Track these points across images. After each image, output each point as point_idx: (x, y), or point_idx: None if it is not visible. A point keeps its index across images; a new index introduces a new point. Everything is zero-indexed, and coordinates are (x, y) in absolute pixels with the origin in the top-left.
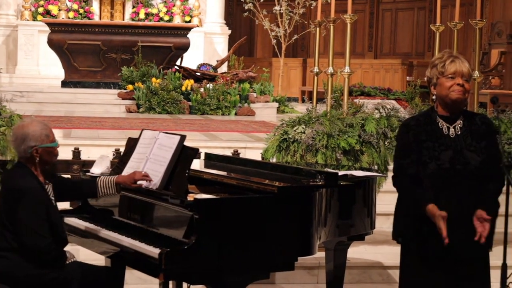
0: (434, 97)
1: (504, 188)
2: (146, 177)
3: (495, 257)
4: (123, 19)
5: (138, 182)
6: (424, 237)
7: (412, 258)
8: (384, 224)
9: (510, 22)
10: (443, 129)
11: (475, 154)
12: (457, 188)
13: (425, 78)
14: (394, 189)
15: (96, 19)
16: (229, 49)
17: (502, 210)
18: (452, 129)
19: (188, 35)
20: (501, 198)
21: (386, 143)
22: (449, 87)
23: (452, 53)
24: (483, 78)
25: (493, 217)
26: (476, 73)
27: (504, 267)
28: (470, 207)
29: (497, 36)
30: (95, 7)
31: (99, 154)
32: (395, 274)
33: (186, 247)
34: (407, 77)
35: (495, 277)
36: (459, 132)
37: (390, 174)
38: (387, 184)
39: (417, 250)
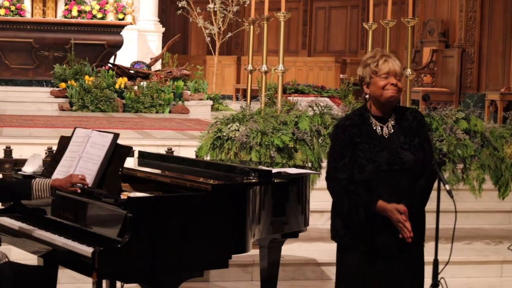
0: (367, 96)
1: (435, 185)
2: (83, 180)
3: (427, 252)
4: (56, 17)
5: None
6: (365, 235)
7: (351, 255)
8: (318, 221)
9: (442, 20)
10: (377, 130)
11: (410, 152)
12: (396, 187)
13: (357, 77)
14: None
15: (28, 16)
16: (163, 47)
17: (434, 206)
18: (385, 129)
19: (121, 33)
20: (434, 194)
21: (319, 140)
22: (383, 86)
23: (384, 52)
24: (415, 76)
25: (420, 211)
26: (408, 71)
27: (435, 263)
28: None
29: (429, 34)
30: (27, 4)
31: (31, 153)
32: (329, 270)
33: (119, 246)
34: (341, 75)
35: (427, 272)
36: (392, 131)
37: (324, 172)
38: (321, 181)
39: (357, 248)
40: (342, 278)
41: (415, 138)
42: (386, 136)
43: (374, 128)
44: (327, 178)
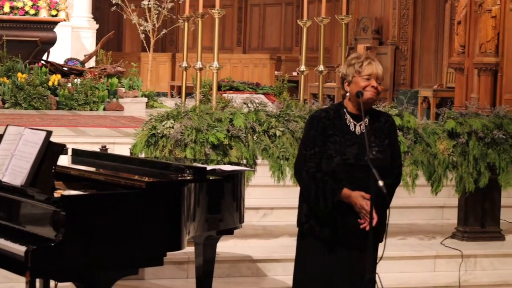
0: (347, 93)
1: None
2: None
3: None
4: None
5: None
6: (329, 222)
7: (311, 242)
8: (253, 218)
9: (375, 18)
10: (350, 126)
11: (378, 151)
12: (359, 182)
13: (340, 74)
14: (263, 183)
15: None
16: (97, 44)
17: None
18: (358, 127)
19: (54, 30)
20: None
21: (254, 137)
22: (364, 87)
23: (369, 56)
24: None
25: (383, 209)
26: (321, 67)
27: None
28: (371, 198)
29: (363, 32)
30: None
31: None
32: (264, 267)
33: (52, 244)
34: (276, 72)
35: None
36: (364, 130)
37: (258, 168)
38: (256, 178)
39: (319, 235)
40: (301, 264)
41: (385, 140)
42: (358, 134)
43: (348, 124)
44: (296, 165)
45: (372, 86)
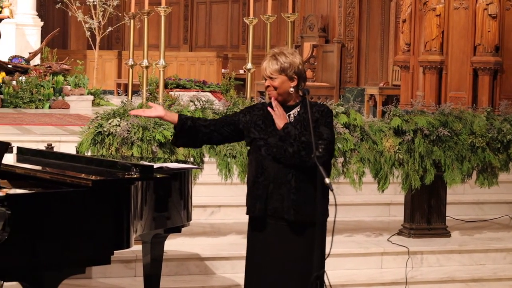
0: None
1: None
2: None
3: None
4: None
5: None
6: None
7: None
8: (201, 216)
9: (322, 15)
10: None
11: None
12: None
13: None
14: (211, 181)
15: None
16: (41, 41)
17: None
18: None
19: None
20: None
21: None
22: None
23: (271, 51)
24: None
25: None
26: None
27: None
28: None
29: (309, 30)
30: None
31: None
32: (212, 265)
33: None
34: (222, 70)
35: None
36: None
37: (206, 166)
38: (203, 176)
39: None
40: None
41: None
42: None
43: None
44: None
45: (267, 86)
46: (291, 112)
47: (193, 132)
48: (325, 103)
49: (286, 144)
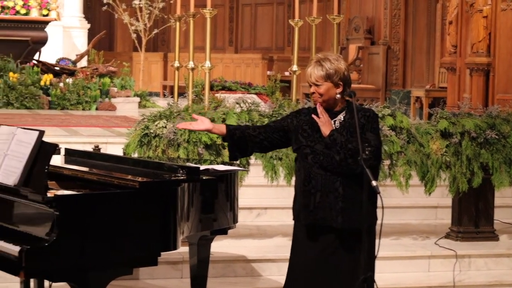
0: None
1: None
2: None
3: None
4: None
5: None
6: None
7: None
8: (247, 218)
9: (367, 17)
10: None
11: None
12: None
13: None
14: (257, 183)
15: None
16: (88, 44)
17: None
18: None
19: (46, 29)
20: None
21: None
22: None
23: (316, 57)
24: None
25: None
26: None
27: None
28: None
29: (355, 31)
30: None
31: None
32: (259, 267)
33: (46, 244)
34: (268, 72)
35: None
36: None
37: (252, 168)
38: (249, 178)
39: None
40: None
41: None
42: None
43: None
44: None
45: (313, 93)
46: (336, 118)
47: (242, 143)
48: (371, 106)
49: (333, 151)
